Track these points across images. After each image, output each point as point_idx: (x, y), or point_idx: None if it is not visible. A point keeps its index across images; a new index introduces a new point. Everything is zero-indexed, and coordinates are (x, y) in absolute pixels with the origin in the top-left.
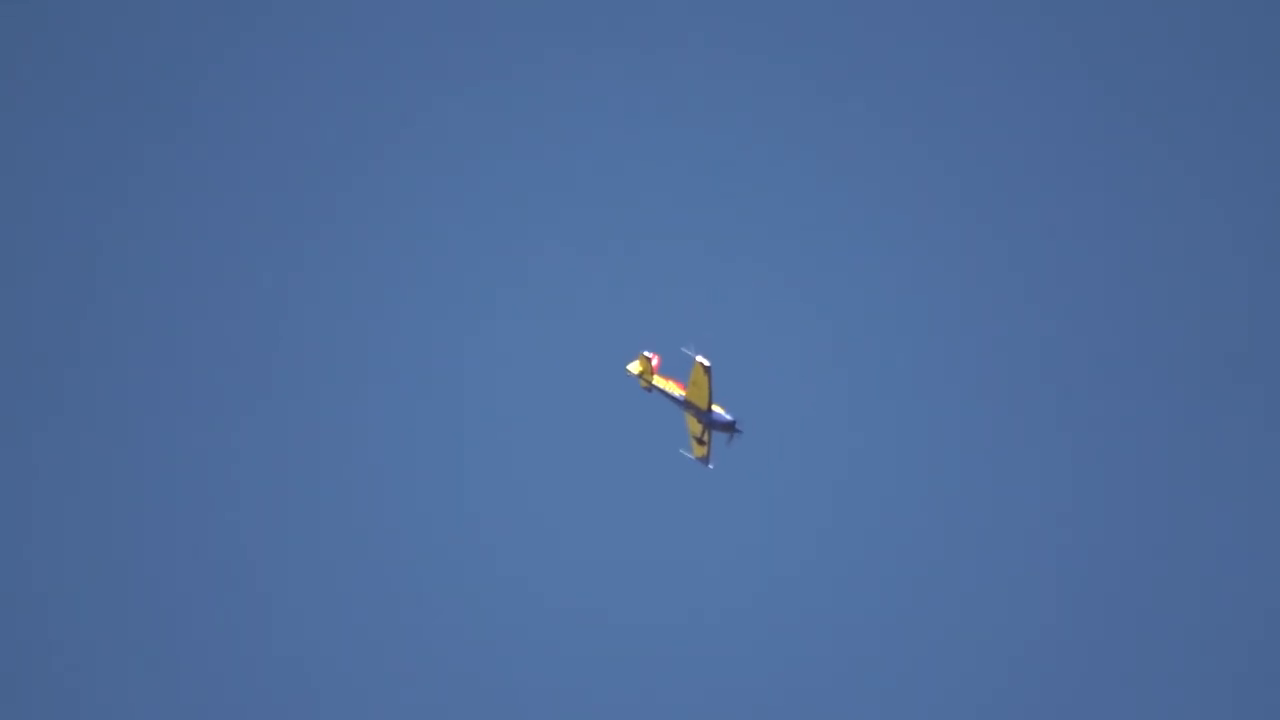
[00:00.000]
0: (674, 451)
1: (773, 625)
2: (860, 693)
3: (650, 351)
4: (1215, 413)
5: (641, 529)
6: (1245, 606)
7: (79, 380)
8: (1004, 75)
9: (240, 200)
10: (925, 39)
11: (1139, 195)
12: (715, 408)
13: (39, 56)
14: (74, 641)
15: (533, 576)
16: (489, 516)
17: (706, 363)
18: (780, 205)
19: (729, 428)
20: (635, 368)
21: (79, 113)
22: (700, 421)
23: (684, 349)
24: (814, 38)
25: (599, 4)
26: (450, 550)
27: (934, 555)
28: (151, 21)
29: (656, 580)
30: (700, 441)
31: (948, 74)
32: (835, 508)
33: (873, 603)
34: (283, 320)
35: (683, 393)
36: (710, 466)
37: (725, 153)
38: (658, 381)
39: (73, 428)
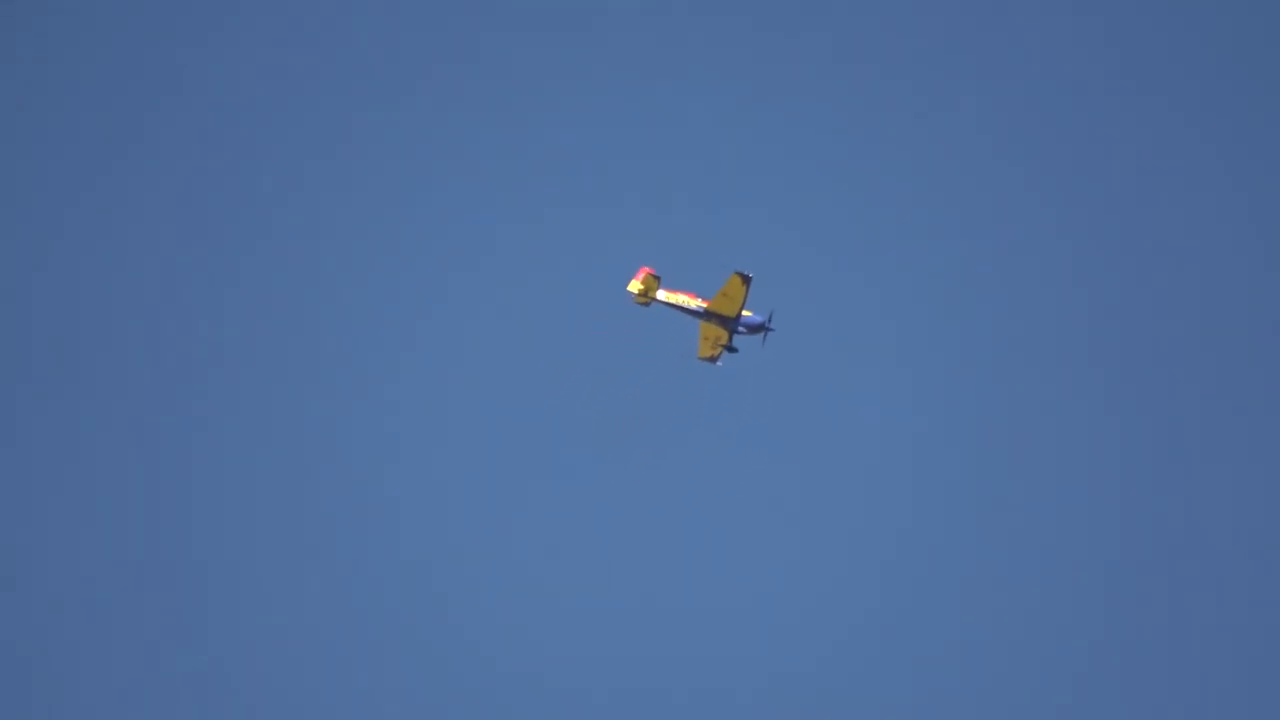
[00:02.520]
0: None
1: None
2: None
3: (647, 268)
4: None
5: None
6: None
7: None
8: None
9: (207, 196)
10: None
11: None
12: (744, 312)
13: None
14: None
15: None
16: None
17: (749, 273)
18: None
19: (761, 328)
20: (637, 285)
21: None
22: (726, 328)
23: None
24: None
25: None
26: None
27: (974, 560)
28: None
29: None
30: (715, 346)
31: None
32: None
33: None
34: (249, 318)
35: (702, 304)
36: (719, 364)
37: (754, 130)
38: (665, 296)
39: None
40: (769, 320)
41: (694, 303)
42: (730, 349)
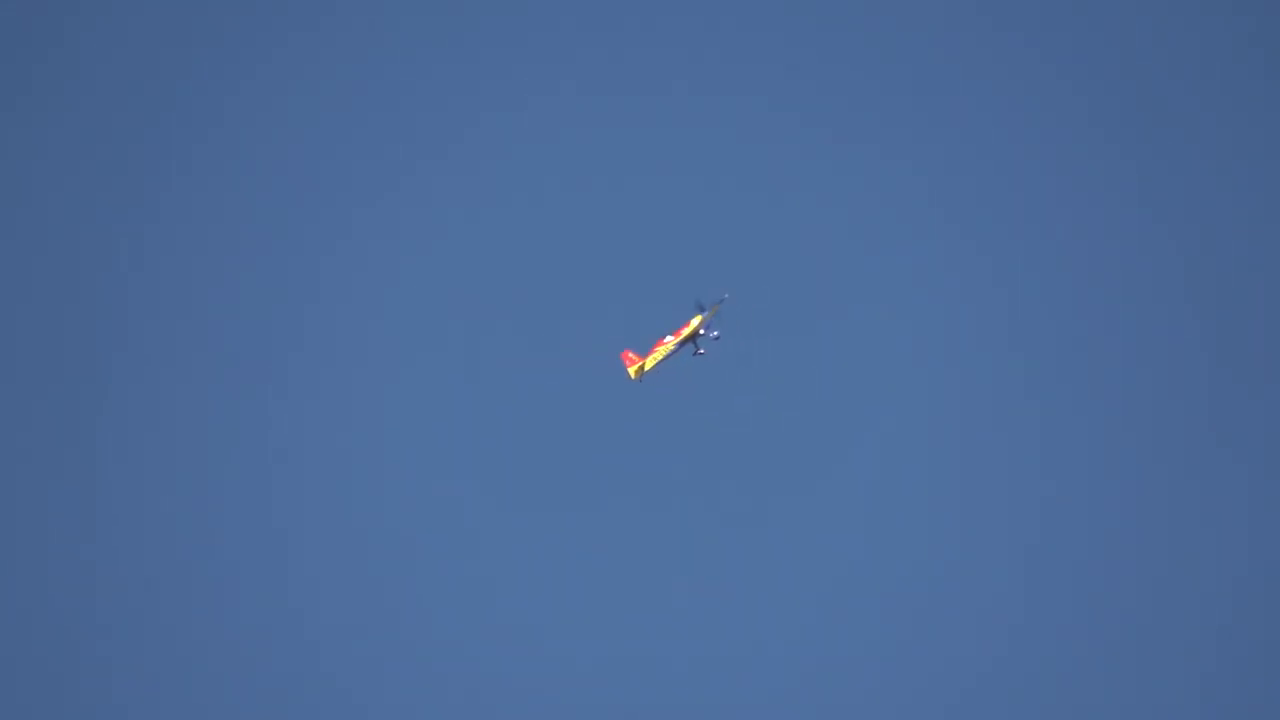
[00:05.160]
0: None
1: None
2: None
3: (626, 351)
4: None
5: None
6: None
7: None
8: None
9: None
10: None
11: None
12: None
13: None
14: None
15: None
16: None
17: (704, 306)
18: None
19: (711, 327)
20: (633, 370)
21: None
22: (694, 342)
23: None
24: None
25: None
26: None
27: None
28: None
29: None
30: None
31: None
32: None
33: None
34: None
35: (678, 338)
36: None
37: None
38: (650, 361)
39: None
40: (711, 315)
41: (671, 345)
42: (699, 353)
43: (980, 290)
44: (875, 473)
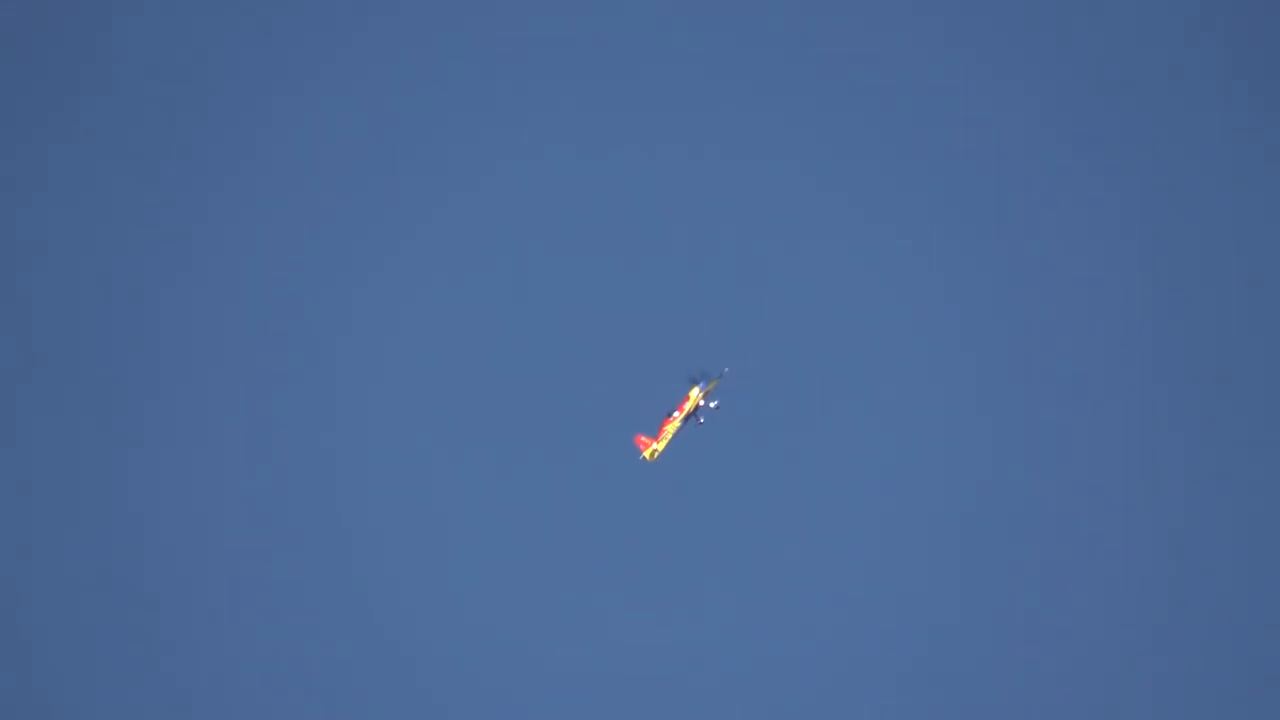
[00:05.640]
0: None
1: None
2: None
3: (639, 436)
4: None
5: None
6: None
7: None
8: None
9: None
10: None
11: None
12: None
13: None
14: None
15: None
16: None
17: (700, 383)
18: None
19: (709, 394)
20: (649, 453)
21: None
22: (695, 414)
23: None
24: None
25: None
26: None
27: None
28: None
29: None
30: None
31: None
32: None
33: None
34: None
35: (681, 414)
36: (701, 421)
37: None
38: (662, 443)
39: None
40: (710, 389)
41: (678, 422)
42: (699, 422)
43: (977, 309)
44: (874, 498)
